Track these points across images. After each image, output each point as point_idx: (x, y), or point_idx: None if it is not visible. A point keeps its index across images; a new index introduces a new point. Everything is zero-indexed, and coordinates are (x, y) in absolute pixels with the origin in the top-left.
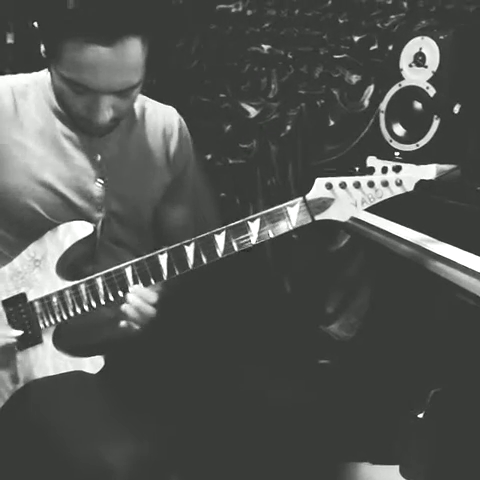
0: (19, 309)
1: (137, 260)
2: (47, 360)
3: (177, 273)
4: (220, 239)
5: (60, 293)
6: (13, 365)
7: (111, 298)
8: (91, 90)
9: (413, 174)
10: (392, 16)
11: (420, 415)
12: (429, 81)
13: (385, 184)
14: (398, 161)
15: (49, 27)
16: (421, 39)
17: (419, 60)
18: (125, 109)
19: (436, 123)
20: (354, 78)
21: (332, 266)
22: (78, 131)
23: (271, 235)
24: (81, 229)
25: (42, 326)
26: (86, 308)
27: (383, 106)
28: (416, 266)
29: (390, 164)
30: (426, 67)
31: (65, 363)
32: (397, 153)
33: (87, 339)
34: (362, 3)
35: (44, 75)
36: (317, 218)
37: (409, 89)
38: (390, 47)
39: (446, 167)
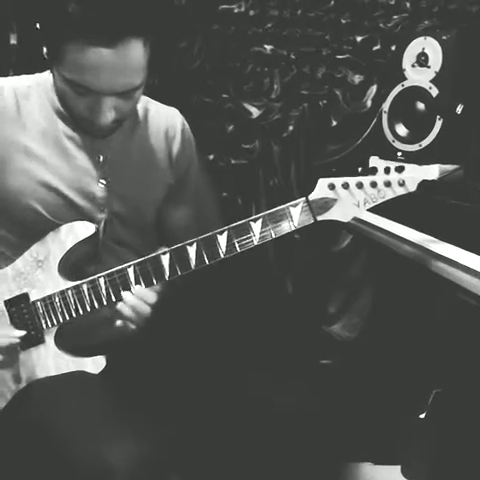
0: (21, 309)
1: (139, 260)
2: (49, 360)
3: (179, 273)
4: (222, 239)
5: (62, 293)
6: (15, 365)
7: (113, 298)
8: (93, 92)
9: (416, 174)
10: (395, 16)
11: (422, 415)
12: (432, 81)
13: (388, 184)
14: (401, 161)
15: (51, 29)
16: (424, 39)
17: (422, 60)
18: (127, 110)
19: (439, 123)
20: (357, 78)
21: (334, 266)
22: (80, 132)
23: (273, 235)
24: (83, 229)
25: (44, 326)
26: (88, 308)
27: (386, 106)
28: (418, 266)
29: (393, 164)
30: (429, 67)
31: (67, 363)
32: (400, 153)
33: (89, 339)
34: (365, 3)
35: (46, 76)
36: (319, 218)
37: (412, 89)
38: (393, 47)
39: (449, 167)
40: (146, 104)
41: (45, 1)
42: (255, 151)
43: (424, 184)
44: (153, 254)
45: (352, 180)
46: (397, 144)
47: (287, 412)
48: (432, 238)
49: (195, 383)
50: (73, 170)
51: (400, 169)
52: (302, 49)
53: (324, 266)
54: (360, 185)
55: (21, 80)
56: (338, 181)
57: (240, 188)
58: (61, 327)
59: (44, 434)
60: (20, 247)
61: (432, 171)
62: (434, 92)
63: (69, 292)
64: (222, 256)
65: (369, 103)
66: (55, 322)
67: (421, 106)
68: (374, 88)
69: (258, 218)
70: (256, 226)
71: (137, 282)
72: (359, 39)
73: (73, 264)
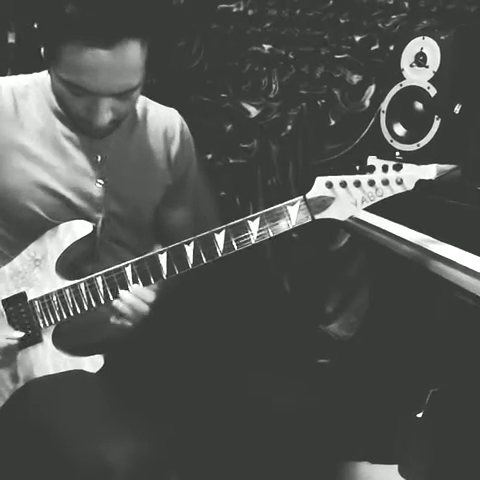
0: (19, 308)
1: (137, 259)
2: (47, 359)
3: (177, 272)
4: (220, 238)
5: (60, 292)
6: (13, 364)
7: (111, 297)
8: (90, 92)
9: (414, 173)
10: (393, 16)
11: (419, 415)
12: (430, 81)
13: (385, 183)
14: (399, 161)
15: (48, 30)
16: (422, 39)
17: (420, 60)
18: (124, 111)
19: (437, 123)
20: (355, 78)
21: (332, 265)
22: (78, 132)
23: (271, 234)
24: (81, 228)
25: (42, 325)
26: (86, 307)
27: (384, 106)
28: (416, 266)
29: (391, 163)
30: (427, 67)
31: (65, 362)
32: (398, 153)
33: (87, 338)
34: (363, 3)
35: (44, 76)
36: (317, 217)
37: (410, 89)
38: (391, 47)
39: (447, 167)
40: (145, 104)
41: (42, 2)
42: (253, 150)
43: (421, 184)
44: (150, 253)
45: (350, 178)
46: (395, 144)
47: (285, 411)
48: (430, 238)
49: (193, 382)
50: (71, 170)
51: (398, 167)
52: (301, 49)
53: (322, 265)
54: (358, 183)
55: (19, 79)
56: (336, 179)
57: (238, 187)
58: (59, 326)
59: (42, 433)
60: (18, 246)
61: (430, 171)
62: (432, 92)
63: (67, 291)
64: (220, 255)
65: (367, 103)
66: (53, 321)
67: (419, 106)
68: (372, 88)
69: (256, 217)
70: (254, 225)
71: (135, 281)
72: (358, 39)
73: (71, 263)
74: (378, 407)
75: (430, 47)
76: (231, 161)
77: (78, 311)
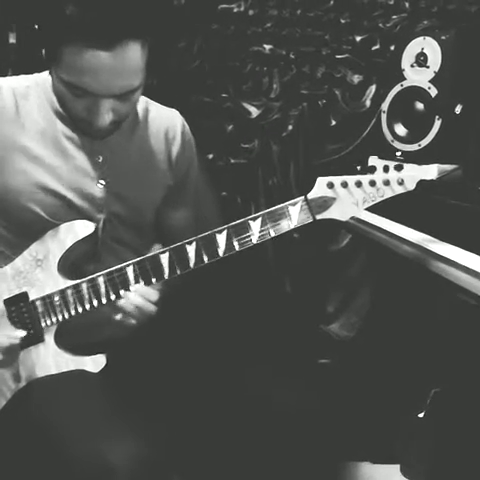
0: (21, 308)
1: (138, 259)
2: (49, 359)
3: (178, 272)
4: (221, 238)
5: (62, 292)
6: (15, 364)
7: (113, 297)
8: (91, 93)
9: (415, 173)
10: (394, 16)
11: (421, 415)
12: (431, 81)
13: (387, 183)
14: (400, 161)
15: (49, 31)
16: (423, 39)
17: (421, 60)
18: (125, 112)
19: (438, 123)
20: (356, 78)
21: (333, 265)
22: (79, 132)
23: (272, 234)
24: (82, 228)
25: (44, 325)
26: (88, 307)
27: (385, 106)
28: (417, 266)
29: (392, 163)
30: (428, 67)
31: (67, 362)
32: (399, 153)
33: (89, 338)
34: (364, 3)
35: (46, 76)
36: (318, 217)
37: (411, 89)
38: (392, 47)
39: (448, 167)
40: (146, 105)
41: (43, 3)
42: (254, 150)
43: (423, 184)
44: (152, 253)
45: (351, 179)
46: (396, 144)
47: (286, 411)
48: (431, 238)
49: (194, 382)
50: (72, 170)
51: (399, 167)
52: (301, 49)
53: (323, 265)
54: (359, 184)
55: (20, 80)
56: (337, 180)
57: (239, 187)
58: (61, 326)
59: (44, 433)
60: (19, 246)
61: (431, 171)
62: (433, 92)
63: (68, 291)
64: (221, 255)
65: (368, 103)
66: (54, 321)
67: (420, 106)
68: (373, 88)
69: (257, 217)
70: (255, 225)
71: (136, 281)
72: (358, 39)
73: (72, 263)
74: (379, 407)
75: (431, 47)
76: (232, 161)
77: (80, 311)
